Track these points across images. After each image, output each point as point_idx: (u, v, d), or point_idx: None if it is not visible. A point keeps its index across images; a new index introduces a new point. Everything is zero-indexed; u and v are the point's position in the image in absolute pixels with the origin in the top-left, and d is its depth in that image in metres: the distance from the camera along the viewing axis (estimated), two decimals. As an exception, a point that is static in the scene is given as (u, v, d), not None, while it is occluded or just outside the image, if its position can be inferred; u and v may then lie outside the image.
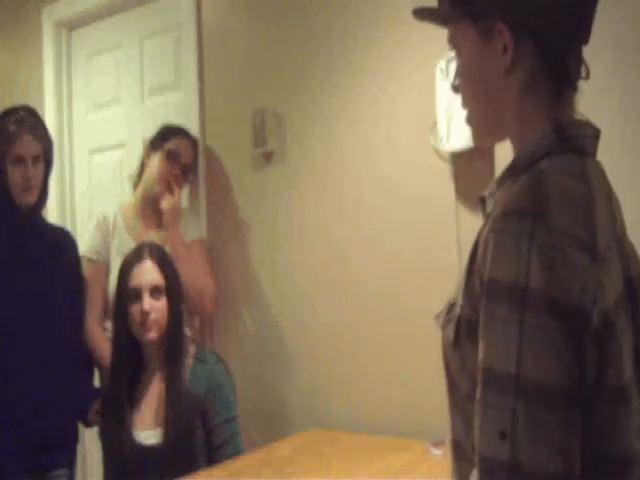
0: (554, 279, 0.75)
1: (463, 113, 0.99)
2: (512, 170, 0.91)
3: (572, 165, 0.86)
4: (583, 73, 0.92)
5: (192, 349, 2.02)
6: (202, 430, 1.91)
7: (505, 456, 0.74)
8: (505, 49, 0.89)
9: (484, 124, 0.97)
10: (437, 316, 0.96)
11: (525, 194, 0.81)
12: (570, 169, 0.85)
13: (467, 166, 2.03)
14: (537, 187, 0.81)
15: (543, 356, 0.74)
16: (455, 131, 1.97)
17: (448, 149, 2.03)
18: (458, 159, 2.05)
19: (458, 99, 1.01)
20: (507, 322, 0.76)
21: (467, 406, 0.87)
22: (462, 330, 0.86)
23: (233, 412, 1.98)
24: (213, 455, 1.93)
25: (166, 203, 2.34)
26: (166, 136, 2.42)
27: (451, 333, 0.89)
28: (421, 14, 0.99)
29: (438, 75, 2.01)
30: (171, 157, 2.38)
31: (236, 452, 1.96)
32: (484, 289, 0.79)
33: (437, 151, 2.08)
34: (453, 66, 1.01)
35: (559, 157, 0.87)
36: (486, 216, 0.94)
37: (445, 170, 2.08)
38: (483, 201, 0.97)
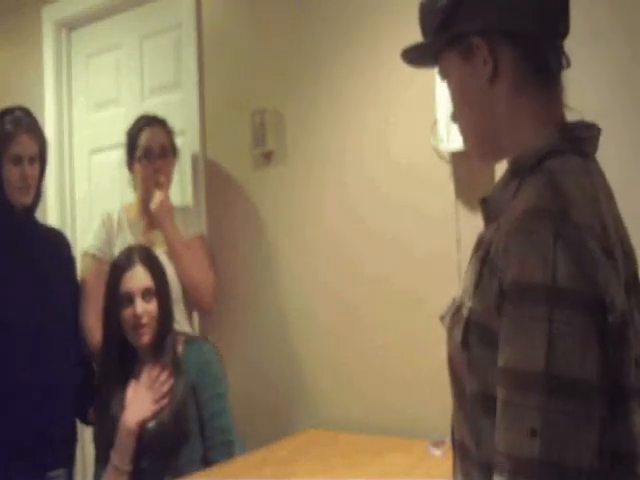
0: (581, 275, 0.76)
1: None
2: (516, 170, 0.91)
3: (578, 165, 0.87)
4: (564, 64, 0.92)
5: (181, 338, 2.05)
6: (194, 405, 1.94)
7: (536, 454, 0.74)
8: (485, 61, 0.91)
9: (481, 142, 0.97)
10: (442, 317, 0.96)
11: (543, 193, 0.81)
12: (577, 169, 0.86)
13: (467, 166, 2.03)
14: (555, 185, 0.82)
15: (573, 353, 0.75)
16: (455, 131, 1.97)
17: (448, 149, 2.03)
18: (458, 159, 2.05)
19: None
20: (536, 321, 0.76)
21: (473, 407, 0.87)
22: (471, 332, 0.86)
23: (222, 389, 2.01)
24: (204, 430, 1.95)
25: (153, 203, 2.31)
26: (133, 140, 2.37)
27: (459, 335, 0.88)
28: (411, 58, 1.02)
29: (438, 75, 2.00)
30: (145, 158, 2.34)
31: (226, 429, 1.97)
32: (508, 290, 0.79)
33: (437, 151, 2.08)
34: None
35: (565, 157, 0.87)
36: (489, 219, 0.94)
37: (445, 170, 2.08)
38: (484, 203, 0.96)
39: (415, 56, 1.02)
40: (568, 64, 0.93)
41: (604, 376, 0.75)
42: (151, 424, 1.92)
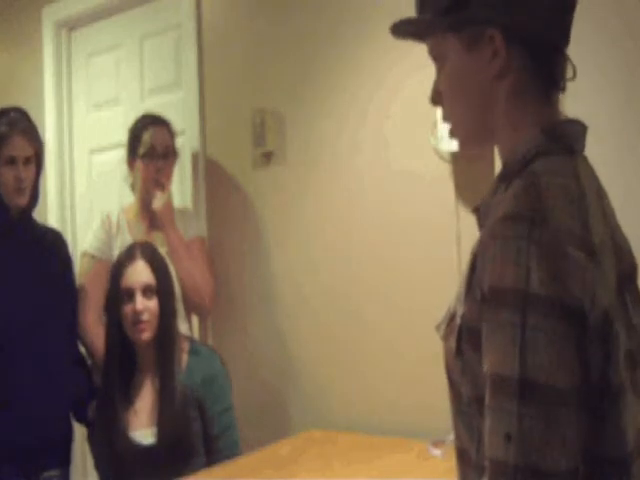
0: (554, 280, 0.75)
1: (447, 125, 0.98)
2: (504, 176, 0.90)
3: (563, 164, 0.86)
4: (570, 74, 0.91)
5: (186, 344, 2.03)
6: (200, 421, 1.92)
7: (511, 458, 0.74)
8: (494, 54, 0.88)
9: (473, 134, 0.96)
10: (438, 327, 0.95)
11: (520, 197, 0.81)
12: (561, 168, 0.85)
13: (467, 166, 2.03)
14: (532, 189, 0.81)
15: (547, 358, 0.75)
16: (455, 131, 1.97)
17: (448, 149, 2.03)
18: (458, 159, 2.05)
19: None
20: (510, 326, 0.76)
21: (470, 412, 0.87)
22: (464, 339, 0.86)
23: (229, 402, 1.99)
24: (211, 446, 1.94)
25: (157, 202, 2.32)
26: (137, 137, 2.36)
27: (453, 343, 0.88)
28: (400, 29, 0.97)
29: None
30: (147, 157, 2.33)
31: (233, 443, 1.97)
32: (485, 296, 0.79)
33: (437, 151, 2.08)
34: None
35: (550, 157, 0.87)
36: (481, 226, 0.93)
37: (445, 170, 2.08)
38: (477, 211, 0.95)
39: (406, 29, 0.98)
40: (574, 75, 0.91)
41: (582, 380, 0.75)
42: (152, 441, 1.88)
